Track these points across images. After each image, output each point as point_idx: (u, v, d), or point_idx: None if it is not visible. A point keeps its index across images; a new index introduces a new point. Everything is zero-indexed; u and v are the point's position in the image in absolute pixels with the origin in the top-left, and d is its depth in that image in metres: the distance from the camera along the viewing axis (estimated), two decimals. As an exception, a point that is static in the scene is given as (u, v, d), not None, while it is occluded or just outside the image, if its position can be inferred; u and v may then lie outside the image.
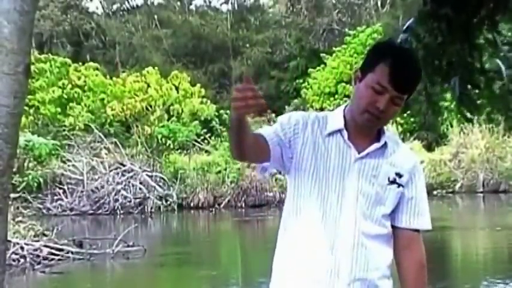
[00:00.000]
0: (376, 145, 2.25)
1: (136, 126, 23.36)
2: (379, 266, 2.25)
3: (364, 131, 2.26)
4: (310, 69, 32.92)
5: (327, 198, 2.22)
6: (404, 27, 3.64)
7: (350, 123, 2.26)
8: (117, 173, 20.83)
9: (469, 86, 3.63)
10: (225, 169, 21.43)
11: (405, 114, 31.24)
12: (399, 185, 2.26)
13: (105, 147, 21.84)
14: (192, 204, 21.04)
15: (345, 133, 2.25)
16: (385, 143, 2.27)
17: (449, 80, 3.59)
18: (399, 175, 2.26)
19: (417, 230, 2.31)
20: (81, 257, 12.30)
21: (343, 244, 2.19)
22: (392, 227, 2.30)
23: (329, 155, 2.24)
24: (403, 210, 2.29)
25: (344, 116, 2.28)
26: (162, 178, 21.26)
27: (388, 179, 2.25)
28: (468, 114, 4.06)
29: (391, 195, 2.25)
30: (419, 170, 2.33)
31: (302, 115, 2.31)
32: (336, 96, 30.45)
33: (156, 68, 25.69)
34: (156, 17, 41.76)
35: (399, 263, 2.30)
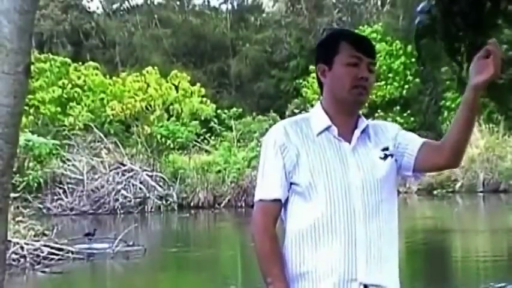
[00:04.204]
0: (357, 131, 2.29)
1: (136, 126, 23.37)
2: (390, 254, 2.28)
3: (349, 118, 2.30)
4: (311, 67, 32.92)
5: (334, 193, 2.21)
6: (419, 8, 3.67)
7: (334, 118, 2.29)
8: (117, 173, 20.84)
9: None
10: (225, 169, 21.43)
11: (405, 114, 31.32)
12: (391, 155, 2.31)
13: (105, 147, 21.85)
14: (192, 204, 21.04)
15: (334, 129, 2.27)
16: (367, 125, 2.32)
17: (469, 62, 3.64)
18: (386, 149, 2.31)
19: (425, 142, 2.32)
20: (81, 257, 12.30)
21: (358, 237, 2.20)
22: (415, 168, 2.29)
23: (325, 153, 2.25)
24: (411, 151, 2.28)
25: (326, 112, 2.31)
26: (162, 178, 21.27)
27: (380, 157, 2.29)
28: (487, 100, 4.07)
29: (389, 168, 2.30)
30: (399, 130, 2.37)
31: (280, 138, 2.27)
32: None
33: (155, 67, 25.68)
34: (155, 16, 41.74)
35: (442, 147, 2.24)
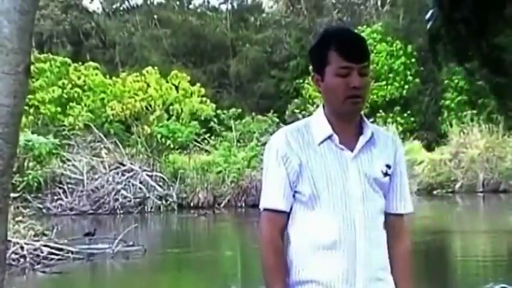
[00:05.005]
0: (363, 139, 2.27)
1: (136, 126, 23.35)
2: (386, 263, 2.31)
3: (350, 125, 2.28)
4: (311, 67, 32.89)
5: (336, 204, 2.22)
6: (427, 15, 3.72)
7: (336, 125, 2.27)
8: (117, 173, 20.83)
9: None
10: (225, 169, 21.43)
11: (405, 114, 31.34)
12: (389, 175, 2.32)
13: (105, 147, 21.84)
14: (192, 204, 21.03)
15: (335, 137, 2.25)
16: (372, 133, 2.30)
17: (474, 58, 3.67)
18: (389, 166, 2.31)
19: (401, 215, 2.38)
20: (81, 257, 12.30)
21: (358, 247, 2.21)
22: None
23: (326, 162, 2.24)
24: (391, 197, 2.35)
25: (327, 118, 2.29)
26: (162, 178, 21.26)
27: (382, 171, 2.29)
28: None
29: (385, 186, 2.31)
30: (400, 150, 2.38)
31: (282, 147, 2.26)
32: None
33: (155, 67, 25.67)
34: (155, 16, 41.72)
35: (389, 251, 2.33)
